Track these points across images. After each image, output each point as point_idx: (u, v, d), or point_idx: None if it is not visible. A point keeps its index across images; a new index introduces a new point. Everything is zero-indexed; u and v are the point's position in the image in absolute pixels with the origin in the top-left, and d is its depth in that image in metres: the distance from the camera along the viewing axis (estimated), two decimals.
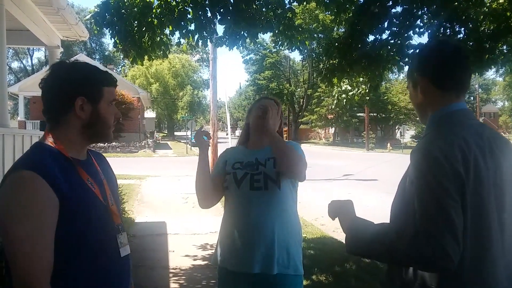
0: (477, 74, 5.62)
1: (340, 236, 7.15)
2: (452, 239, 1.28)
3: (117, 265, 1.51)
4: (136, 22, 5.18)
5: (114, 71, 41.41)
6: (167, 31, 5.50)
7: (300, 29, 6.36)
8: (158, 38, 5.48)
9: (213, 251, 2.36)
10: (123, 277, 1.55)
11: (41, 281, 1.29)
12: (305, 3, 5.68)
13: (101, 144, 24.42)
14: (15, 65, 62.03)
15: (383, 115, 45.54)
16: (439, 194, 1.31)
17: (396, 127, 48.80)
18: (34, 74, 36.63)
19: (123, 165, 17.14)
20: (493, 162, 1.42)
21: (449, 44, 1.62)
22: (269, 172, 2.18)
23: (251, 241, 2.12)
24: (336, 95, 6.59)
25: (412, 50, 4.93)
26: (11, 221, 1.29)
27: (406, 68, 5.47)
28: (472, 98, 67.29)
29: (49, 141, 1.46)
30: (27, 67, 60.99)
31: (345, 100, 6.63)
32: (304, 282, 4.33)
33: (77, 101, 1.45)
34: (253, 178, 2.18)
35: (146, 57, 5.60)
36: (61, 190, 1.34)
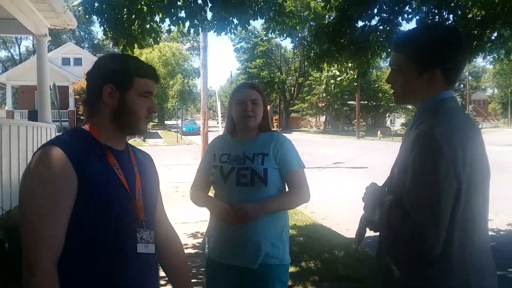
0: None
1: (330, 223, 7.23)
2: (433, 228, 1.32)
3: (132, 259, 1.43)
4: (125, 9, 5.12)
5: None
6: (157, 18, 5.44)
7: (291, 14, 6.34)
8: (148, 25, 5.43)
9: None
10: (138, 276, 1.45)
11: (43, 259, 1.24)
12: None
13: None
14: (2, 54, 61.25)
15: (374, 103, 45.65)
16: (434, 182, 1.32)
17: (387, 115, 49.03)
18: (22, 63, 36.07)
19: None
20: (481, 150, 1.45)
21: (458, 32, 1.60)
22: (256, 169, 2.15)
23: (235, 236, 2.13)
24: (325, 80, 6.64)
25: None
26: (28, 193, 1.30)
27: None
28: (462, 85, 67.65)
29: (85, 126, 1.50)
30: (15, 56, 60.06)
31: (333, 85, 6.66)
32: (293, 269, 4.41)
33: (105, 87, 1.46)
34: (239, 173, 2.16)
35: (136, 45, 5.55)
36: (82, 170, 1.34)
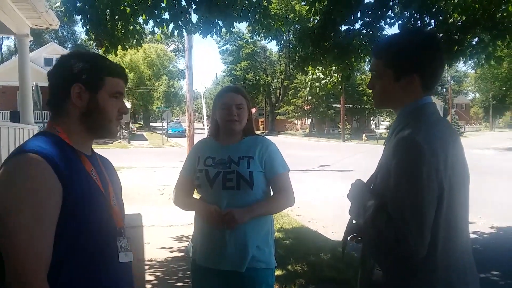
0: (446, 65, 5.76)
1: (316, 226, 7.25)
2: (417, 232, 1.33)
3: (114, 270, 1.38)
4: (108, 10, 5.06)
5: None
6: (140, 20, 5.40)
7: (276, 17, 6.37)
8: (132, 27, 5.38)
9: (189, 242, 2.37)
10: (121, 286, 1.41)
11: (37, 277, 1.16)
12: None
13: None
14: None
15: (359, 106, 46.08)
16: (417, 186, 1.33)
17: (371, 118, 49.48)
18: (3, 63, 35.42)
19: None
20: (461, 155, 1.47)
21: (435, 39, 1.62)
22: (242, 172, 2.14)
23: (221, 240, 2.12)
24: (309, 83, 6.73)
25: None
26: (9, 208, 1.17)
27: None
28: (444, 89, 68.74)
29: (52, 129, 1.38)
30: None
31: (318, 88, 6.75)
32: (279, 272, 4.41)
33: (73, 87, 1.36)
34: (225, 177, 2.15)
35: (119, 46, 5.49)
36: (65, 178, 1.24)
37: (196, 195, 2.36)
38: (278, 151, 2.30)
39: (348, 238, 1.72)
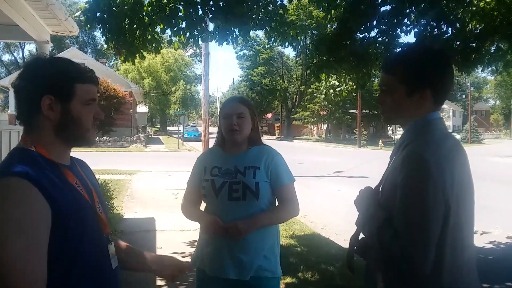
0: (464, 73, 5.71)
1: (328, 233, 7.21)
2: (422, 248, 1.33)
3: (110, 277, 1.39)
4: (127, 19, 5.16)
5: (106, 65, 41.28)
6: (158, 29, 5.49)
7: (293, 24, 6.40)
8: (149, 36, 5.47)
9: None
10: None
11: None
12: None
13: None
14: (6, 58, 61.82)
15: (376, 112, 45.67)
16: (423, 203, 1.33)
17: (388, 124, 48.99)
18: None
19: (114, 159, 17.02)
20: (467, 171, 1.47)
21: (445, 54, 1.63)
22: (248, 182, 2.15)
23: (226, 249, 2.13)
24: (324, 90, 6.73)
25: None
26: (0, 237, 1.12)
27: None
28: (464, 96, 67.70)
29: (28, 145, 1.31)
30: (18, 60, 60.46)
31: (332, 95, 6.72)
32: (290, 280, 4.40)
33: (43, 100, 1.28)
34: (231, 188, 2.16)
35: (137, 55, 5.58)
36: (52, 197, 1.19)
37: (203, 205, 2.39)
38: (283, 162, 2.31)
39: (354, 251, 1.71)
